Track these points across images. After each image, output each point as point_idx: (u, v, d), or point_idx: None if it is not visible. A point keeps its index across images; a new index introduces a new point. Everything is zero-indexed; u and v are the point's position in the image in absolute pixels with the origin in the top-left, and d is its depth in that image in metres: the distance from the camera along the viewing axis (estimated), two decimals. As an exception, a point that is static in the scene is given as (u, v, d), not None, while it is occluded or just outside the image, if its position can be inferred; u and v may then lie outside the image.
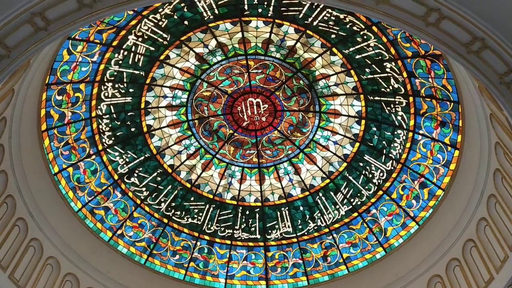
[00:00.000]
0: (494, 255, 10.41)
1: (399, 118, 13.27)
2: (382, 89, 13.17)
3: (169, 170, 14.57)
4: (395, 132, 13.53)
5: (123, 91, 13.26)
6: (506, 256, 9.90)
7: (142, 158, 14.20)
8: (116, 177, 14.01)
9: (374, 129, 13.84)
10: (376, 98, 13.36)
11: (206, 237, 14.90)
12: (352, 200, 14.42)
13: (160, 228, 14.57)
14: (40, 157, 12.15)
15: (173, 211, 14.67)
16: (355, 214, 14.43)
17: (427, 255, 12.50)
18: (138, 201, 14.37)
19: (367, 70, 13.09)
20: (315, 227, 14.77)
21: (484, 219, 11.02)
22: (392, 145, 13.72)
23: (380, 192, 14.10)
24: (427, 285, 12.19)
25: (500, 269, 10.14)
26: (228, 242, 14.96)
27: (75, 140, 13.13)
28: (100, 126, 13.42)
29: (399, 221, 13.78)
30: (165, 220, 14.62)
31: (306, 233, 14.84)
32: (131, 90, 13.35)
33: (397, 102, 13.12)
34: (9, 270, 10.44)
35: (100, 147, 13.59)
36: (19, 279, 10.64)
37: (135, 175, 14.26)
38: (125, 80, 13.09)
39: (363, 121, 13.81)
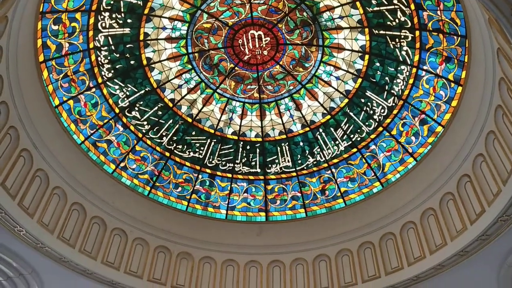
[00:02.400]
0: (488, 190, 10.66)
1: (403, 53, 12.96)
2: (388, 23, 12.72)
3: (170, 105, 14.56)
4: (399, 68, 13.28)
5: (120, 22, 12.83)
6: (499, 190, 10.14)
7: (143, 91, 14.12)
8: (117, 110, 14.03)
9: (378, 64, 13.57)
10: (381, 32, 12.95)
11: (208, 171, 15.25)
12: (352, 136, 14.54)
13: (162, 161, 14.86)
14: (39, 89, 12.05)
15: (174, 145, 14.87)
16: (355, 149, 14.62)
17: (423, 190, 12.81)
18: (140, 135, 14.51)
19: (373, 1, 12.55)
20: (314, 162, 15.05)
21: (481, 155, 11.16)
22: (394, 81, 13.54)
23: (380, 129, 14.18)
24: (421, 217, 12.60)
25: (491, 203, 10.42)
26: (229, 175, 15.33)
27: (74, 72, 12.96)
28: (99, 58, 13.17)
29: (398, 157, 13.99)
30: (167, 154, 14.88)
31: (305, 168, 15.15)
32: (129, 20, 12.91)
33: (402, 36, 12.73)
34: (17, 198, 10.76)
35: (99, 80, 13.46)
36: (28, 207, 11.00)
37: (136, 108, 14.26)
38: (122, 10, 12.62)
39: (366, 56, 13.52)
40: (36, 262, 11.42)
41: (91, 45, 12.86)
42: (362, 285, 12.68)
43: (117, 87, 13.76)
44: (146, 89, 14.13)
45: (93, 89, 13.50)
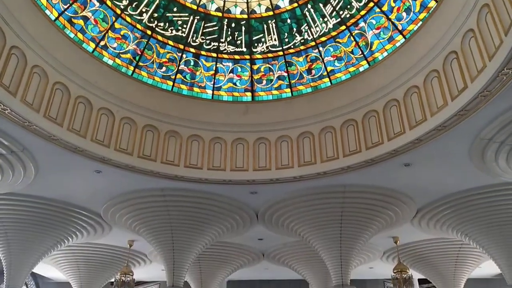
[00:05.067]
0: (473, 66, 10.61)
1: None
2: None
3: (148, -24, 13.45)
4: None
5: None
6: (484, 66, 10.11)
7: (116, -39, 12.89)
8: (90, -17, 12.96)
9: None
10: None
11: (192, 50, 14.80)
12: (341, 12, 13.93)
13: (144, 40, 14.27)
14: (-1, -45, 10.84)
15: (156, 22, 14.13)
16: (343, 27, 14.14)
17: (409, 68, 12.75)
18: (118, 11, 13.66)
19: None
20: (302, 41, 14.64)
21: (471, 31, 10.86)
22: (391, -50, 12.55)
23: (371, 4, 13.54)
24: (404, 95, 12.75)
25: (475, 79, 10.48)
26: (214, 55, 14.96)
27: None
28: None
29: (387, 34, 13.63)
30: (149, 32, 14.22)
31: (292, 47, 14.78)
32: None
33: None
34: (-4, 77, 10.43)
35: None
36: (8, 86, 10.71)
37: (111, -19, 13.18)
38: None
39: None
40: (26, 140, 11.59)
41: None
42: (343, 159, 13.35)
43: (87, -45, 12.50)
44: (120, -42, 12.89)
45: (61, -43, 12.25)
